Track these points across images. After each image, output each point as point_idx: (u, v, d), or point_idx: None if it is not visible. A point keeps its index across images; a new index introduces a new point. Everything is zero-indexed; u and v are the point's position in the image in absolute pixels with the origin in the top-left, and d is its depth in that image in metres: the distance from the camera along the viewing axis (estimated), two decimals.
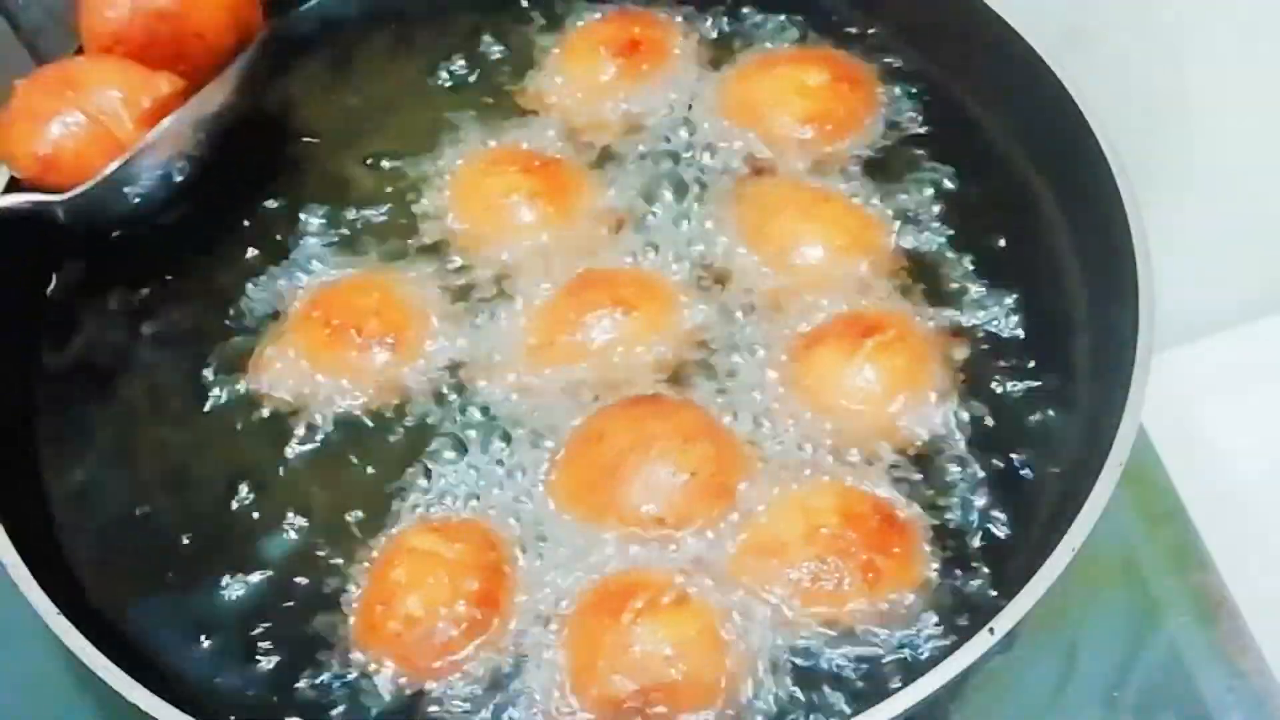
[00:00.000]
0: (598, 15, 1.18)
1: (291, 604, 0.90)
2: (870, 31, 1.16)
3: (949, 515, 0.91)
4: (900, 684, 0.83)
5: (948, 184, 1.07)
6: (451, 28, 1.21)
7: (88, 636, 0.82)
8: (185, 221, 1.08)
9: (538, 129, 1.12)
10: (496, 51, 1.18)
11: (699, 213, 1.06)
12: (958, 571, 0.89)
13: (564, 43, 1.17)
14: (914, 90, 1.12)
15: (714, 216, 1.06)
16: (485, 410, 0.97)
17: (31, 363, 1.04)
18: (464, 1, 1.22)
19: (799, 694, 0.85)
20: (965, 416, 0.95)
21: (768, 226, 1.04)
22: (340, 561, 0.91)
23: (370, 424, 0.97)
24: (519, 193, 1.05)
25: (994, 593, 0.87)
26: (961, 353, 0.98)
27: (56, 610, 0.83)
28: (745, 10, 1.18)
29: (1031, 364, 0.98)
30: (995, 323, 0.99)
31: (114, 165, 0.99)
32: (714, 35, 1.17)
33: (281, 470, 0.96)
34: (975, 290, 1.01)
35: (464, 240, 1.06)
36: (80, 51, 1.06)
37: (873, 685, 0.85)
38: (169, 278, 1.08)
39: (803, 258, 1.02)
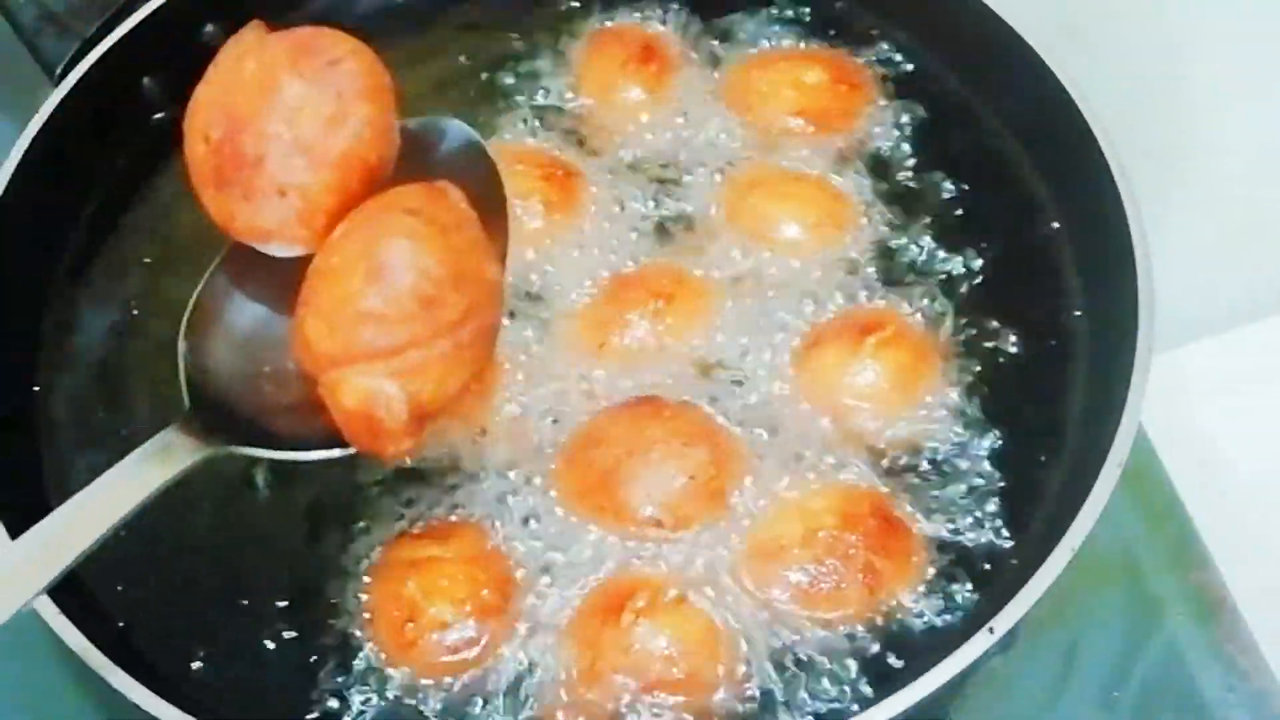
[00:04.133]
0: (608, 23, 1.18)
1: (294, 605, 0.90)
2: (869, 30, 1.16)
3: (948, 515, 0.91)
4: (900, 683, 0.83)
5: (945, 184, 1.07)
6: (460, 23, 1.21)
7: (88, 636, 0.83)
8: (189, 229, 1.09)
9: (548, 131, 1.12)
10: (509, 53, 1.18)
11: (694, 205, 1.07)
12: (956, 571, 0.89)
13: (579, 49, 1.17)
14: (912, 90, 1.12)
15: (706, 208, 1.06)
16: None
17: (34, 358, 1.04)
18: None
19: (798, 694, 0.85)
20: (963, 415, 0.95)
21: (745, 204, 1.04)
22: (343, 568, 0.92)
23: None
24: (534, 198, 1.04)
25: (993, 592, 0.87)
26: (959, 351, 0.98)
27: (57, 610, 0.84)
28: (745, 7, 1.19)
29: (1030, 363, 0.98)
30: (993, 322, 0.99)
31: None
32: (716, 35, 1.17)
33: (291, 466, 0.96)
34: (973, 289, 1.01)
35: None
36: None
37: (872, 685, 0.85)
38: (171, 277, 1.08)
39: (780, 234, 1.03)
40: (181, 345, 0.86)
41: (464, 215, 0.80)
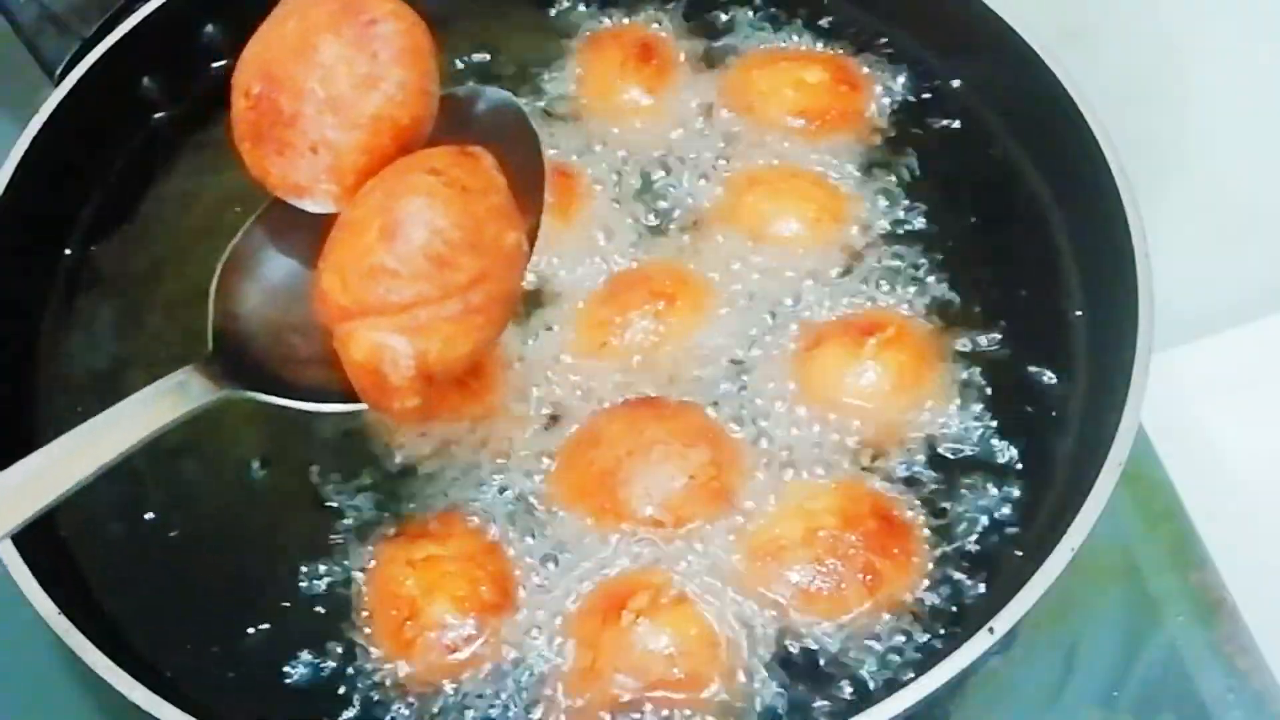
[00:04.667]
0: (603, 24, 1.18)
1: (293, 604, 0.90)
2: (869, 30, 1.16)
3: (948, 515, 0.91)
4: (900, 684, 0.83)
5: (945, 184, 1.07)
6: (461, 28, 1.21)
7: (88, 636, 0.83)
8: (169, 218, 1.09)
9: (548, 131, 1.11)
10: (505, 54, 1.18)
11: (694, 205, 1.07)
12: (957, 571, 0.89)
13: (577, 50, 1.17)
14: (912, 90, 1.13)
15: (706, 207, 1.06)
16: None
17: (34, 358, 1.04)
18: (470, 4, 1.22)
19: (798, 694, 0.85)
20: (964, 416, 0.95)
21: (744, 203, 1.05)
22: (340, 567, 0.92)
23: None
24: None
25: (993, 592, 0.87)
26: (960, 352, 0.98)
27: (57, 610, 0.84)
28: (744, 8, 1.19)
29: (1030, 363, 0.98)
30: (993, 322, 0.99)
31: None
32: (715, 35, 1.17)
33: (287, 465, 0.97)
34: (973, 290, 1.01)
35: None
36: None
37: (872, 685, 0.85)
38: (171, 277, 1.08)
39: (779, 233, 1.03)
40: (213, 289, 0.87)
41: (490, 181, 0.81)
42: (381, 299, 0.77)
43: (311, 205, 0.84)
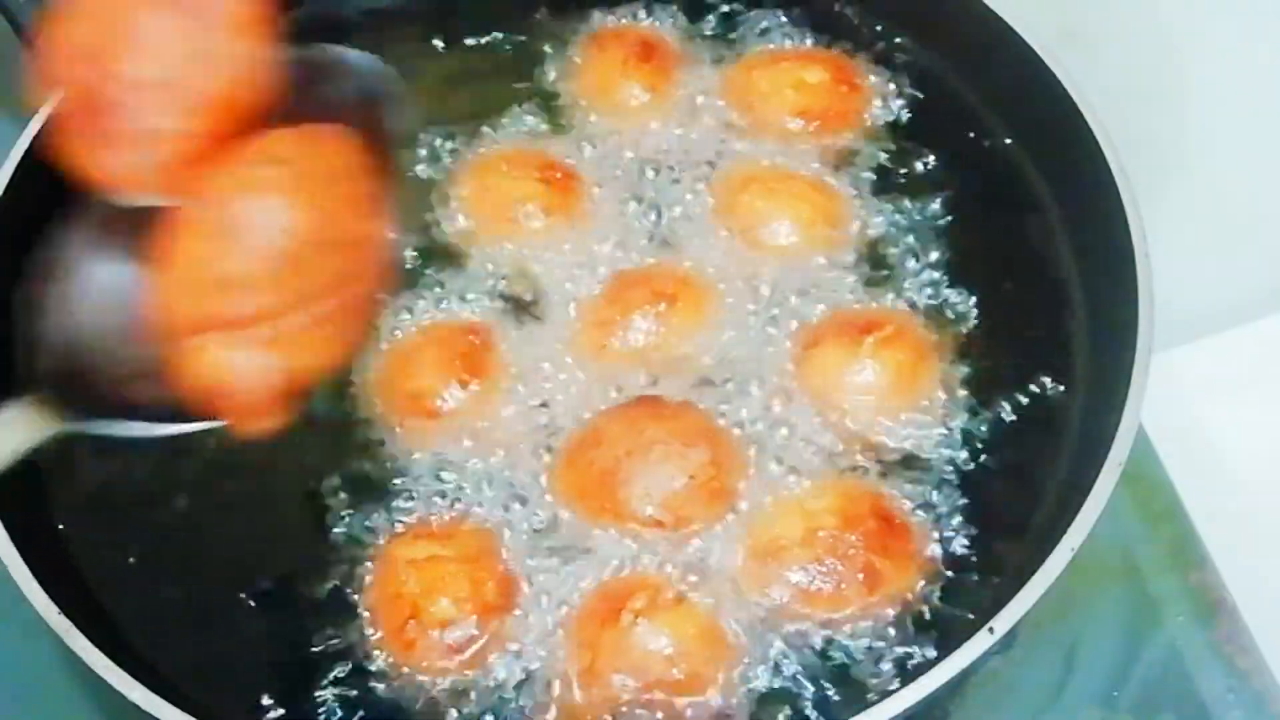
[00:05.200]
0: (608, 23, 1.18)
1: (294, 605, 0.91)
2: (869, 30, 1.16)
3: (948, 514, 0.91)
4: (900, 684, 0.83)
5: (944, 184, 1.07)
6: (461, 25, 1.21)
7: (88, 636, 0.83)
8: None
9: (548, 131, 1.12)
10: (508, 53, 1.18)
11: (694, 205, 1.07)
12: (956, 571, 0.89)
13: (578, 49, 1.17)
14: (912, 90, 1.13)
15: (706, 208, 1.06)
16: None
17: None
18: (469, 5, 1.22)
19: (798, 694, 0.85)
20: (964, 415, 0.95)
21: (741, 203, 1.04)
22: (342, 567, 0.92)
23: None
24: (533, 201, 1.04)
25: (993, 592, 0.87)
26: (958, 351, 0.98)
27: (58, 610, 0.84)
28: (744, 7, 1.19)
29: (1030, 363, 0.98)
30: (992, 322, 1.00)
31: None
32: (715, 35, 1.17)
33: (287, 465, 0.96)
34: (973, 290, 1.01)
35: (479, 239, 1.05)
36: None
37: (872, 685, 0.85)
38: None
39: (777, 233, 1.03)
40: (23, 307, 0.76)
41: (343, 165, 0.73)
42: (227, 311, 0.69)
43: (142, 200, 0.73)
